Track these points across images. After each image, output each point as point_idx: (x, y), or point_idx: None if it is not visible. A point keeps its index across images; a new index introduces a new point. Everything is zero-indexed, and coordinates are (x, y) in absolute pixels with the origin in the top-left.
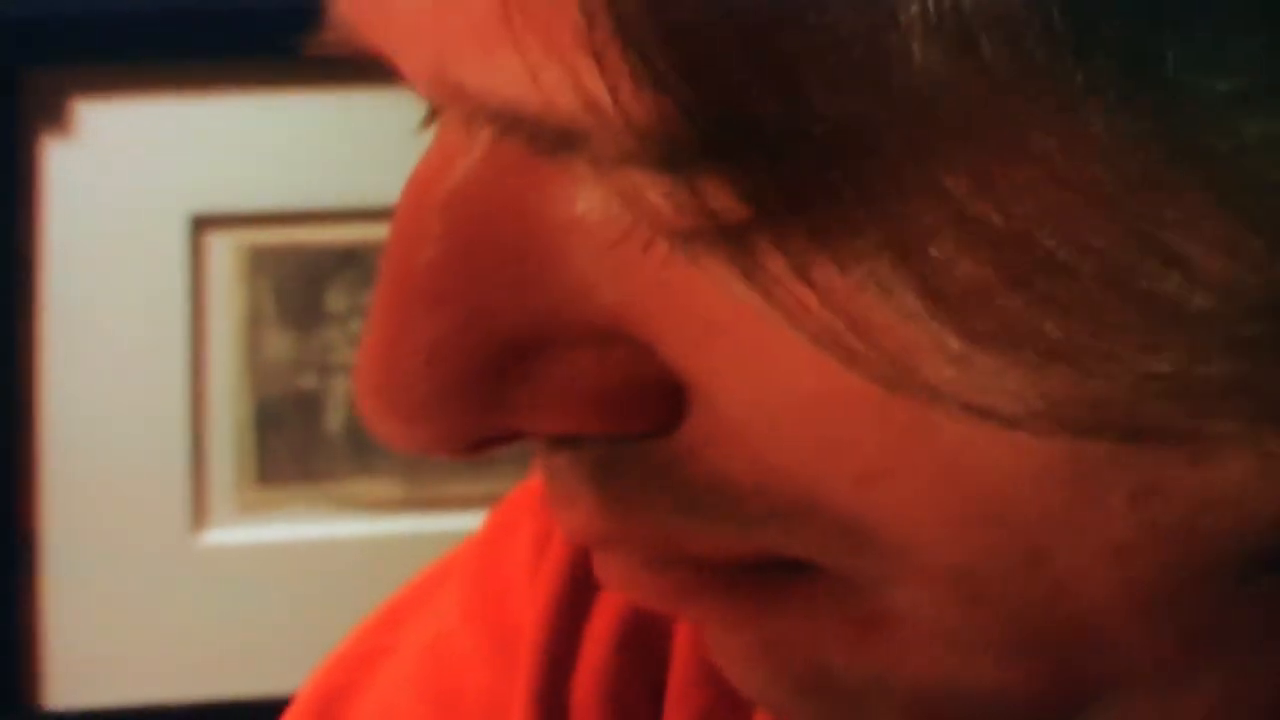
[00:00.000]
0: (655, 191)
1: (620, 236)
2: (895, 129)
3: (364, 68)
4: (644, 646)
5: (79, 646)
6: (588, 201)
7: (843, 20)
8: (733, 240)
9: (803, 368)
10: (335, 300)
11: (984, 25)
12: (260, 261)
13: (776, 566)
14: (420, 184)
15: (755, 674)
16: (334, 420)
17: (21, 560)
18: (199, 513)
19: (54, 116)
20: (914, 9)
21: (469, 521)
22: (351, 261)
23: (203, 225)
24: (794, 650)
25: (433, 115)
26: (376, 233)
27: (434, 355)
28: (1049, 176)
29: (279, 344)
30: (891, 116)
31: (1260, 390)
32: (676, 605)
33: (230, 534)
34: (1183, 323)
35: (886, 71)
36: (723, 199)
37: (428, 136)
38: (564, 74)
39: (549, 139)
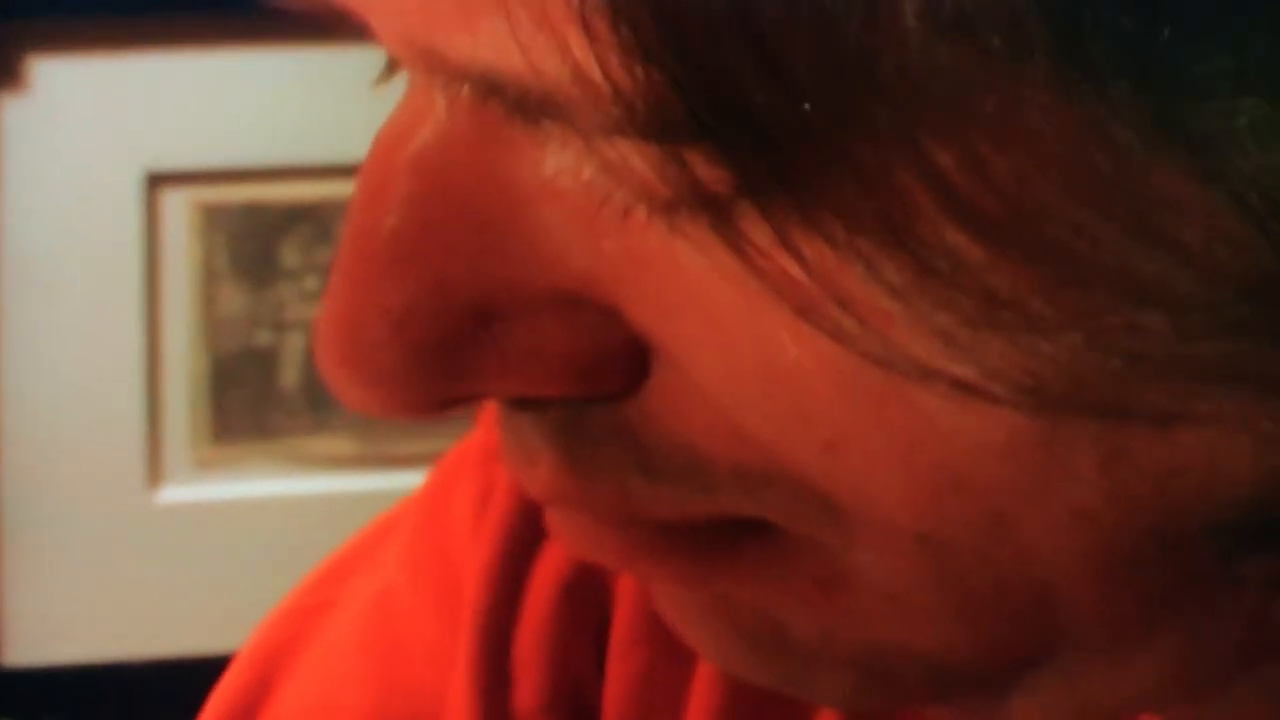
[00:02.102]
0: (640, 161)
1: (596, 202)
2: (885, 107)
3: (318, 24)
4: (586, 600)
5: (36, 604)
6: (558, 166)
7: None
8: (717, 212)
9: (780, 337)
10: (289, 257)
11: (979, 7)
12: (214, 218)
13: (734, 526)
14: (387, 143)
15: (709, 631)
16: (289, 377)
17: None
18: (154, 470)
19: (8, 73)
20: None
21: (422, 479)
22: (305, 218)
23: (157, 182)
24: (748, 608)
25: (390, 72)
26: (330, 189)
27: (400, 320)
28: (1039, 157)
29: (233, 301)
30: (882, 95)
31: (1246, 371)
32: (633, 563)
33: (186, 491)
34: (1170, 303)
35: (878, 49)
36: (709, 170)
37: (384, 94)
38: (551, 43)
39: (531, 106)
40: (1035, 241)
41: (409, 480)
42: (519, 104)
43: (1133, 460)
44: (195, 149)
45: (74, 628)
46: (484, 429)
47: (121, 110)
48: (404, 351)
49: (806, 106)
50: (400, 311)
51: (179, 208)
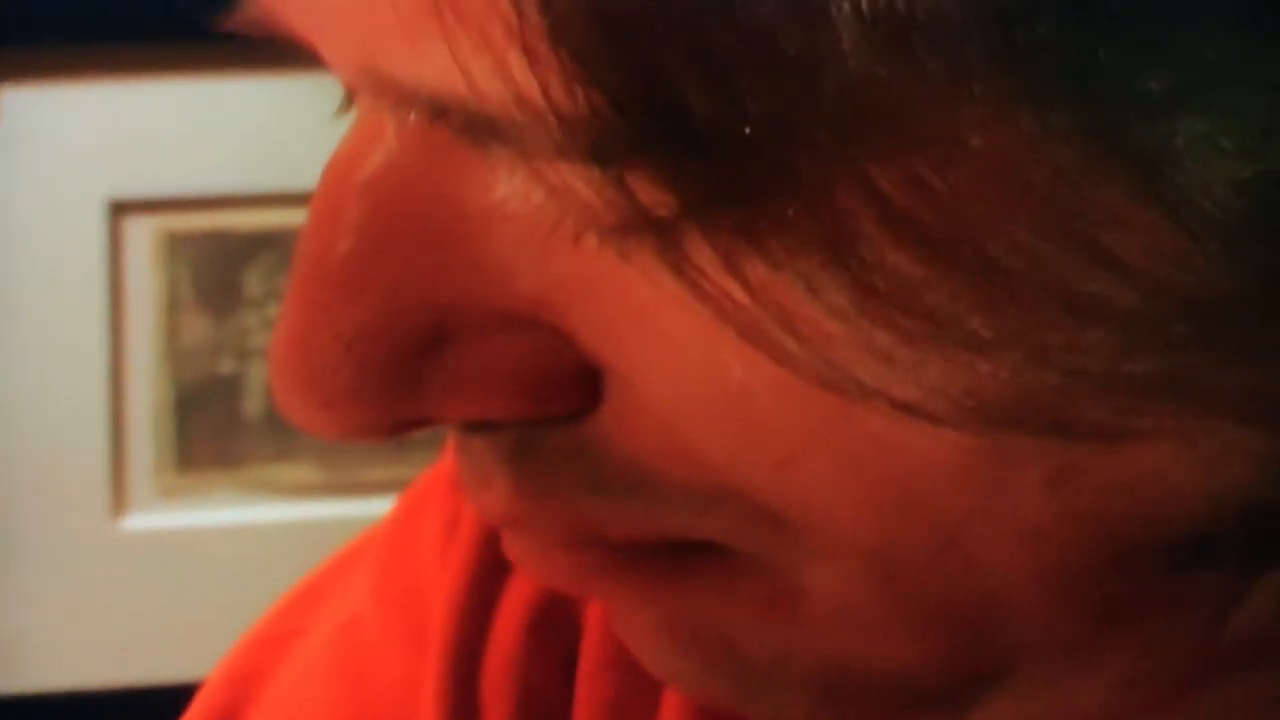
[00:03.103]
0: (584, 184)
1: (545, 227)
2: (826, 126)
3: (281, 52)
4: (554, 629)
5: None
6: (508, 188)
7: (775, 16)
8: (661, 234)
9: (726, 359)
10: (253, 285)
11: (916, 24)
12: (178, 246)
13: (687, 546)
14: (338, 168)
15: (663, 651)
16: (252, 405)
17: None
18: (119, 498)
19: None
20: (846, 7)
21: (387, 506)
22: (269, 246)
23: (120, 210)
24: (702, 627)
25: (350, 100)
26: (294, 217)
27: (352, 341)
28: (980, 174)
29: (197, 329)
30: (822, 114)
31: (1187, 387)
32: (587, 584)
33: (150, 519)
34: (1111, 320)
35: (818, 69)
36: (652, 193)
37: (346, 122)
38: (493, 66)
39: (477, 129)
40: (975, 260)
41: (375, 508)
42: (466, 128)
43: (1080, 478)
44: (158, 177)
45: (38, 656)
46: (451, 456)
47: (84, 138)
48: (356, 373)
49: (746, 127)
50: (352, 333)
51: (142, 236)
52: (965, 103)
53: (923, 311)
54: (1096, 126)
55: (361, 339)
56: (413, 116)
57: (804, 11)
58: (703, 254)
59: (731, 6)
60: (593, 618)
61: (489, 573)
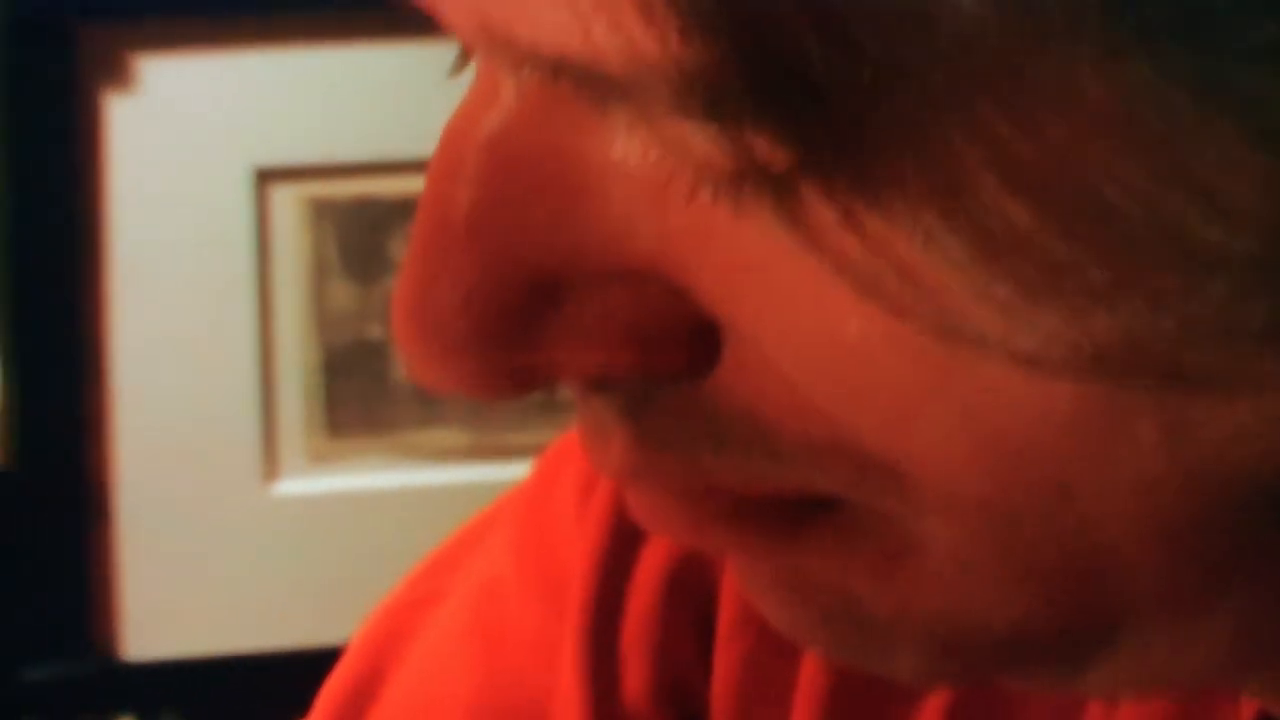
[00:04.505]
0: (701, 140)
1: (663, 181)
2: (941, 75)
3: (426, 19)
4: (690, 591)
5: (153, 598)
6: (625, 145)
7: None
8: (778, 188)
9: (842, 312)
10: (398, 250)
11: None
12: (323, 213)
13: (805, 499)
14: (458, 126)
15: (782, 604)
16: (399, 370)
17: (95, 513)
18: (269, 464)
19: (115, 72)
20: None
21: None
22: (413, 211)
23: (266, 178)
24: (821, 580)
25: (464, 59)
26: None
27: (470, 293)
28: (1094, 121)
29: (344, 295)
30: (937, 63)
31: None
32: (707, 538)
33: (301, 484)
34: (1225, 267)
35: (932, 17)
36: (769, 147)
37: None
38: (609, 22)
39: (593, 86)
40: (1090, 208)
41: (519, 471)
42: (584, 85)
43: (1194, 429)
44: (303, 144)
45: (190, 622)
46: None
47: (229, 107)
48: (474, 323)
49: (863, 75)
50: (471, 284)
51: (288, 203)
52: (1077, 50)
53: (1039, 260)
54: (1208, 73)
55: (480, 290)
56: (530, 74)
57: None
58: (819, 208)
59: None
60: (728, 581)
61: (626, 535)
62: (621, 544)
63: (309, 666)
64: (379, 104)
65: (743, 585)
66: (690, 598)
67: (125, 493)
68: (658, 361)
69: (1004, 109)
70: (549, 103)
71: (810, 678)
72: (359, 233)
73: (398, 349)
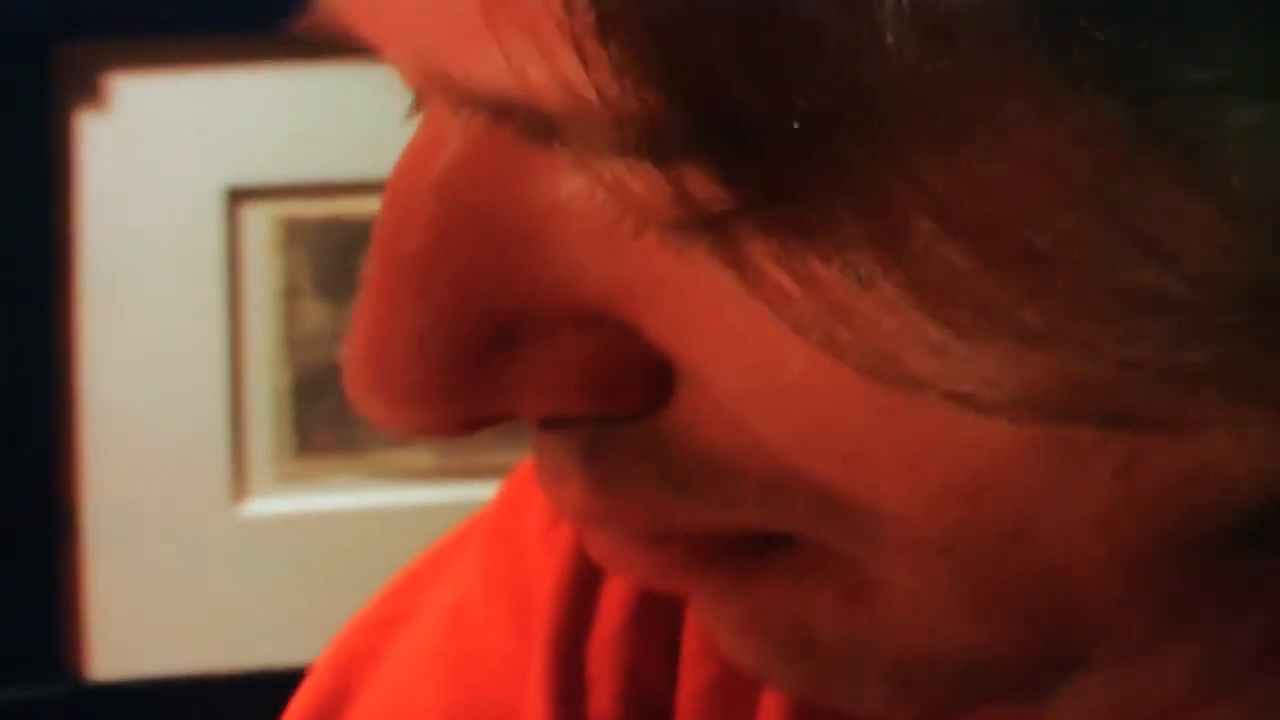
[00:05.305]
0: (639, 181)
1: (607, 223)
2: (873, 122)
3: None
4: (657, 613)
5: (120, 617)
6: (572, 187)
7: (820, 11)
8: (716, 229)
9: (789, 353)
10: None
11: (960, 18)
12: (296, 233)
13: (762, 539)
14: (407, 168)
15: (743, 643)
16: None
17: (63, 532)
18: (239, 483)
19: (88, 92)
20: (889, 2)
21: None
22: None
23: (238, 197)
24: (781, 620)
25: (419, 102)
26: None
27: (423, 340)
28: (1027, 167)
29: (316, 315)
30: (869, 109)
31: (1240, 376)
32: (665, 579)
33: (270, 504)
34: (1162, 311)
35: (863, 64)
36: (705, 188)
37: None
38: (547, 65)
39: (536, 129)
40: (1024, 252)
41: (488, 491)
42: (526, 127)
43: (1145, 467)
44: (275, 164)
45: (159, 642)
46: None
47: (201, 127)
48: (428, 371)
49: (795, 121)
50: (424, 332)
51: (260, 223)
52: (1009, 96)
53: (974, 303)
54: (1144, 117)
55: (433, 337)
56: (476, 117)
57: (848, 6)
58: (758, 249)
59: (777, 2)
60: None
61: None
62: (589, 566)
63: (278, 686)
64: (351, 124)
65: (702, 623)
66: (657, 620)
67: (94, 512)
68: (613, 405)
69: (939, 155)
70: (495, 144)
71: (773, 701)
72: (331, 253)
73: (350, 393)
